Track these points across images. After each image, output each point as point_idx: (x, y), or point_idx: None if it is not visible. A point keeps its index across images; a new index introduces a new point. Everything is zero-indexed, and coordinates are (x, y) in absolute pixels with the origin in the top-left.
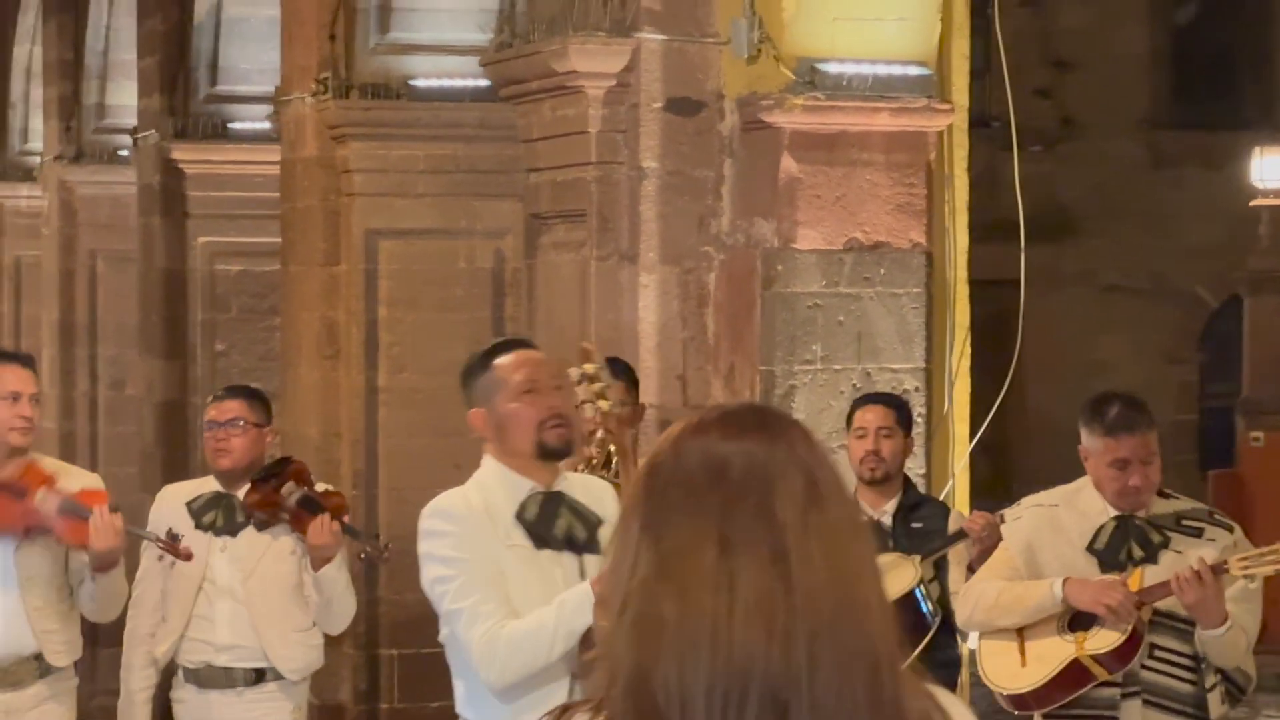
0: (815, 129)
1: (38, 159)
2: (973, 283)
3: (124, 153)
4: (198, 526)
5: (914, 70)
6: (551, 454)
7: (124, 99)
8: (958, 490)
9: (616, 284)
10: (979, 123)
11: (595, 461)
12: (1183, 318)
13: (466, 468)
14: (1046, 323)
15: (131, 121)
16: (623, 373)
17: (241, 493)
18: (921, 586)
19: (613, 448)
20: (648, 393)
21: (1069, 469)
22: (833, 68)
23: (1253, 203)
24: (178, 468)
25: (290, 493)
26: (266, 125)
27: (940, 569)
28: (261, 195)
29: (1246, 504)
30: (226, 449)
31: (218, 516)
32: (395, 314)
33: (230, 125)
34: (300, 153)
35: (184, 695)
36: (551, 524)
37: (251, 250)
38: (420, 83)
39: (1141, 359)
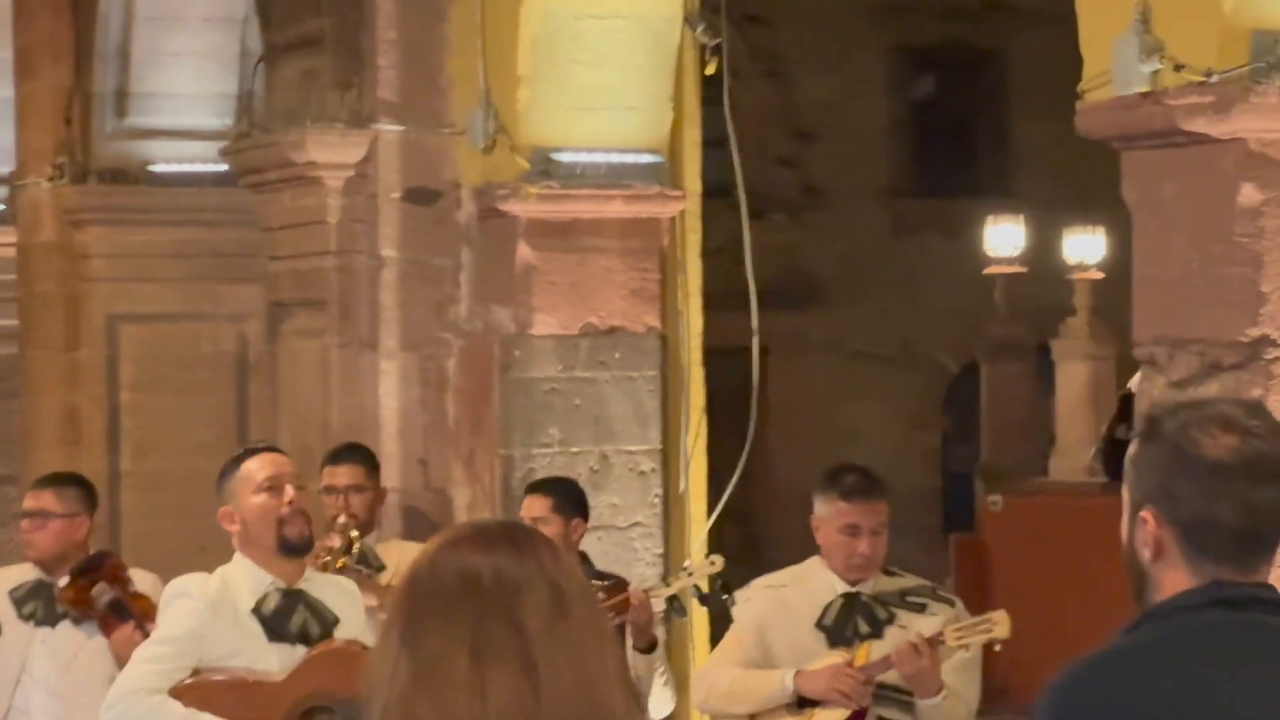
0: (550, 217)
1: None
2: (718, 351)
3: None
4: (19, 616)
5: (647, 158)
6: (291, 548)
7: None
8: (696, 569)
9: (358, 370)
10: (720, 192)
11: (338, 548)
12: (927, 384)
13: (212, 550)
14: (794, 390)
15: None
16: (363, 457)
17: (62, 583)
18: None
19: (354, 534)
20: (390, 477)
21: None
22: (567, 157)
23: (986, 270)
24: None
25: (101, 594)
26: (2, 207)
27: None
28: None
29: (986, 567)
30: (30, 541)
31: (38, 607)
32: (138, 398)
33: None
34: (38, 237)
35: None
36: (287, 619)
37: None
38: (159, 168)
39: (888, 425)
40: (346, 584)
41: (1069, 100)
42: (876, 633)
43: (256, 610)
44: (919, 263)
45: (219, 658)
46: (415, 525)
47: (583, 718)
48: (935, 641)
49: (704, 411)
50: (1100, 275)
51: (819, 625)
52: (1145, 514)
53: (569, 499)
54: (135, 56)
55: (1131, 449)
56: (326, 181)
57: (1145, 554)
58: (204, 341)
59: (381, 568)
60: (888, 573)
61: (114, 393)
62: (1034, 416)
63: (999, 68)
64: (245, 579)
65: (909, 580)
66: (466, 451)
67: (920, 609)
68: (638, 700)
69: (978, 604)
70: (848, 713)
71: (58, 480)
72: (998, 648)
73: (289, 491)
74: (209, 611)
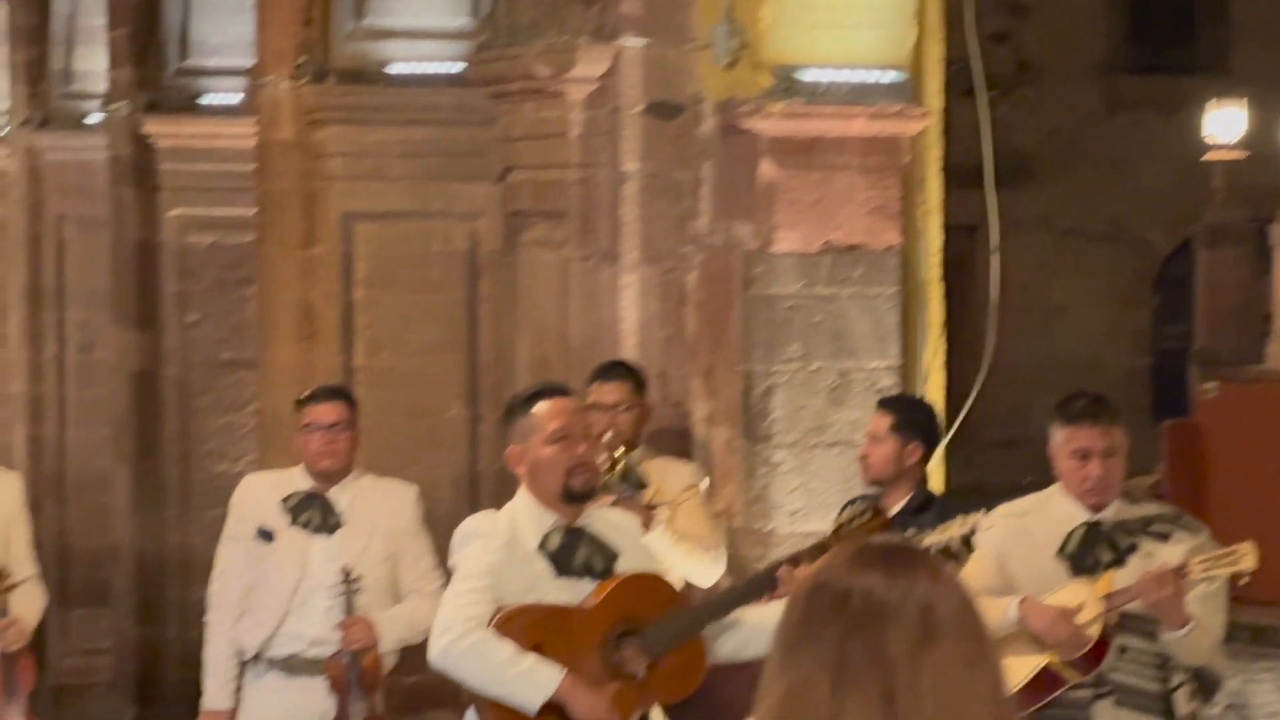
0: (793, 134)
1: (4, 120)
2: None
3: (91, 119)
4: (294, 523)
5: (890, 76)
6: (576, 497)
7: (91, 64)
8: (932, 485)
9: (597, 284)
10: None
11: (603, 465)
12: (1137, 263)
13: (442, 446)
14: (1004, 267)
15: (99, 88)
16: (631, 375)
17: (333, 490)
18: None
19: (619, 452)
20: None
21: (1025, 414)
22: (810, 74)
23: (1205, 157)
24: (150, 438)
25: None
26: (238, 99)
27: None
28: (232, 169)
29: (1202, 454)
30: (332, 451)
31: (314, 515)
32: (371, 295)
33: (201, 99)
34: (277, 135)
35: (266, 683)
36: (571, 555)
37: (224, 223)
38: (396, 68)
39: (1097, 303)
40: (625, 519)
41: None
42: (1120, 561)
43: (542, 548)
44: (1132, 141)
45: (513, 594)
46: (653, 438)
47: None
48: (1180, 573)
49: (942, 328)
50: None
51: (1061, 554)
52: None
53: (910, 421)
54: None
55: None
56: (569, 95)
57: None
58: (435, 240)
59: (644, 485)
60: (1130, 499)
61: (348, 290)
62: (1250, 301)
63: None
64: (530, 518)
65: (1152, 508)
66: (706, 366)
67: (1164, 537)
68: None
69: (1193, 492)
70: (1092, 641)
71: (342, 394)
72: (1244, 580)
73: (581, 446)
74: (505, 549)
